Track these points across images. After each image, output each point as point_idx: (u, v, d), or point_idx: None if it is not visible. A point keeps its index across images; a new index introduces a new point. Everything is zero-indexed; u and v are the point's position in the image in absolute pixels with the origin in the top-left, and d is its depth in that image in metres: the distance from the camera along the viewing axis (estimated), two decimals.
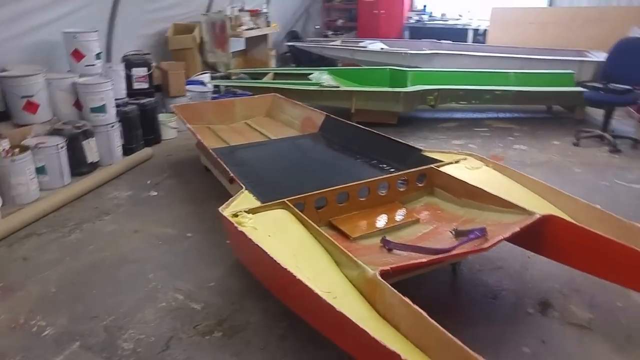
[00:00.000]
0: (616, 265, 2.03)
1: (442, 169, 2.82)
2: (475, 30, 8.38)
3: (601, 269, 2.11)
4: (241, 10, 7.29)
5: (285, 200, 2.36)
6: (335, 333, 1.70)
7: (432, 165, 2.85)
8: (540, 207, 2.31)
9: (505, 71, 5.93)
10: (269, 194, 2.45)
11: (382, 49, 7.46)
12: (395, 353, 1.38)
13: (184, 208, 3.50)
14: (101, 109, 4.33)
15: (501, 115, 5.94)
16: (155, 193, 3.77)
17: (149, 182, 3.99)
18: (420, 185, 2.84)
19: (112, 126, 4.43)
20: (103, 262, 2.79)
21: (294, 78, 6.19)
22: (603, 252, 2.04)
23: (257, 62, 7.80)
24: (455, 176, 2.71)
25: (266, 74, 6.57)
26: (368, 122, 4.01)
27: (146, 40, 6.11)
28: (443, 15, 9.12)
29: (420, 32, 8.75)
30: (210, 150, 3.27)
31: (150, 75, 5.26)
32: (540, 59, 6.28)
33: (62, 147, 3.88)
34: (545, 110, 6.15)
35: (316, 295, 1.62)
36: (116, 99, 4.55)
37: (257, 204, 2.36)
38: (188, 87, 5.78)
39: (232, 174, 2.79)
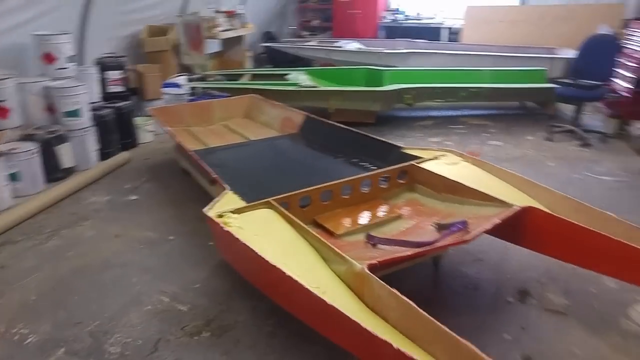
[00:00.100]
0: (591, 253, 2.11)
1: (422, 165, 2.87)
2: (449, 29, 8.52)
3: (577, 256, 2.19)
4: (216, 11, 7.25)
5: (270, 199, 2.37)
6: (327, 327, 1.72)
7: (412, 162, 2.90)
8: (518, 199, 2.38)
9: (479, 69, 6.05)
10: (253, 195, 2.45)
11: (358, 48, 7.51)
12: (387, 342, 1.41)
13: (165, 211, 3.47)
14: (75, 113, 4.26)
15: (476, 112, 6.07)
16: (135, 197, 3.73)
17: (127, 186, 3.94)
18: (401, 181, 2.89)
19: (87, 130, 4.36)
20: (84, 267, 2.75)
21: (271, 79, 6.19)
22: (579, 240, 2.12)
23: (233, 64, 7.76)
24: (435, 172, 2.76)
25: (243, 75, 6.55)
26: (346, 121, 4.04)
27: (120, 43, 6.01)
28: (418, 14, 9.25)
29: (396, 31, 8.84)
30: (191, 152, 3.26)
31: (125, 78, 5.19)
32: (512, 56, 6.44)
33: (35, 153, 3.81)
34: (519, 107, 6.31)
35: (307, 290, 1.64)
36: (91, 103, 4.47)
37: (242, 204, 2.36)
38: (164, 89, 5.72)
39: (214, 175, 2.78)
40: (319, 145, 3.80)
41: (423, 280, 2.61)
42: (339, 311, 1.55)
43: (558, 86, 5.07)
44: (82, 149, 4.32)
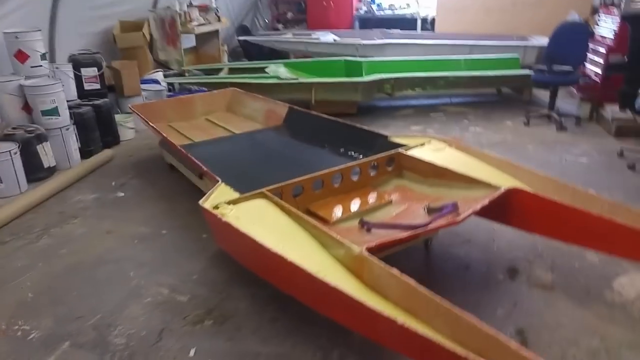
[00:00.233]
0: (575, 229, 2.22)
1: (409, 152, 2.95)
2: (424, 19, 8.64)
3: (562, 232, 2.30)
4: (189, 5, 7.18)
5: (264, 190, 2.41)
6: (330, 308, 1.78)
7: (399, 150, 2.97)
8: (503, 181, 2.48)
9: (455, 58, 6.18)
10: (244, 187, 2.47)
11: (334, 40, 7.56)
12: (392, 319, 1.48)
13: (155, 206, 3.47)
14: (53, 112, 4.20)
15: (454, 100, 6.20)
16: (122, 194, 3.71)
17: (113, 183, 3.92)
18: (389, 169, 2.96)
19: (67, 129, 4.30)
20: (79, 264, 2.75)
21: (249, 72, 6.19)
22: (563, 217, 2.23)
23: (209, 58, 7.71)
24: (422, 158, 2.84)
25: (221, 69, 6.53)
26: (328, 112, 4.08)
27: (92, 39, 5.91)
28: (391, 5, 9.33)
29: (370, 22, 8.93)
30: (179, 147, 3.26)
31: (101, 76, 5.12)
32: (487, 44, 6.59)
33: (15, 153, 3.75)
34: (496, 94, 6.47)
35: (310, 274, 1.70)
36: (68, 101, 4.41)
37: (236, 195, 2.39)
38: (143, 86, 5.66)
39: (205, 169, 2.80)
40: (305, 136, 3.84)
41: (415, 263, 2.70)
42: (343, 292, 1.61)
43: (533, 72, 5.23)
44: (62, 148, 4.27)
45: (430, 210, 2.39)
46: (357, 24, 9.20)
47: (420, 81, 5.84)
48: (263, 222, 2.16)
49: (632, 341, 2.06)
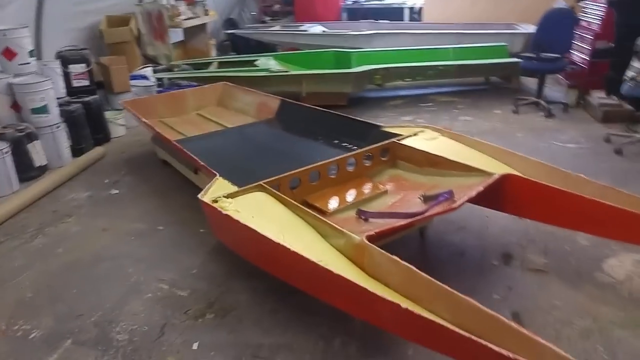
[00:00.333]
0: (567, 212, 2.28)
1: (403, 142, 2.98)
2: (411, 9, 8.64)
3: (555, 216, 2.36)
4: None
5: (261, 183, 2.43)
6: (334, 296, 1.82)
7: (393, 140, 3.00)
8: (497, 167, 2.53)
9: (444, 47, 6.22)
10: (240, 180, 2.49)
11: (323, 31, 7.55)
12: (396, 303, 1.52)
13: (149, 203, 3.47)
14: (43, 110, 4.16)
15: (443, 90, 6.23)
16: (117, 191, 3.70)
17: (106, 181, 3.90)
18: (383, 159, 2.99)
19: (58, 127, 4.26)
20: (76, 262, 2.74)
21: (239, 66, 6.17)
22: (555, 201, 2.28)
23: (197, 53, 7.65)
24: (416, 147, 2.87)
25: (210, 63, 6.49)
26: (319, 104, 4.10)
27: (78, 35, 5.83)
28: None
29: (358, 13, 8.91)
30: (174, 142, 3.26)
31: (90, 72, 5.07)
32: (474, 33, 6.63)
33: (6, 152, 3.71)
34: (484, 82, 6.52)
35: (313, 263, 1.72)
36: (57, 98, 4.37)
37: (234, 189, 2.41)
38: (132, 82, 5.61)
39: (202, 163, 2.81)
40: (298, 128, 3.86)
41: (411, 251, 2.73)
42: (347, 280, 1.64)
43: (521, 60, 5.28)
44: (53, 146, 4.23)
45: (426, 199, 2.42)
46: (345, 15, 9.18)
47: (410, 71, 5.87)
48: (263, 214, 2.18)
49: (623, 320, 2.12)
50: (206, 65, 6.44)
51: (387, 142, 2.98)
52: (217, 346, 2.06)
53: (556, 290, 2.33)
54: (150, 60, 6.71)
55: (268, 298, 2.34)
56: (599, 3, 5.33)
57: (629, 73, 4.00)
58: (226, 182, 2.49)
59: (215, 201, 2.27)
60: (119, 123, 5.08)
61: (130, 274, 2.60)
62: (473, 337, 1.38)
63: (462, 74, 6.10)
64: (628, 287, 2.33)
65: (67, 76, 4.90)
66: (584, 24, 5.55)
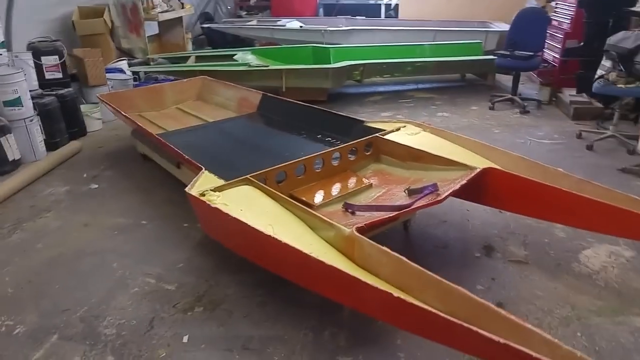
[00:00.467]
0: (546, 204, 2.36)
1: (386, 137, 3.02)
2: (387, 5, 8.72)
3: (534, 209, 2.44)
4: None
5: (248, 176, 2.43)
6: (326, 287, 1.84)
7: (377, 135, 3.04)
8: (478, 162, 2.60)
9: (421, 44, 6.31)
10: (225, 174, 2.49)
11: (301, 27, 7.55)
12: (388, 292, 1.56)
13: (132, 197, 3.43)
14: (16, 102, 4.05)
15: (421, 86, 6.33)
16: (96, 185, 3.64)
17: (85, 175, 3.83)
18: (367, 153, 3.03)
19: (31, 120, 4.16)
20: (58, 258, 2.69)
21: (216, 60, 6.11)
22: (535, 194, 2.36)
23: (172, 47, 7.55)
24: (399, 142, 2.92)
25: (187, 57, 6.41)
26: (299, 99, 4.11)
27: (49, 26, 5.68)
28: None
29: (334, 9, 8.94)
30: (157, 136, 3.22)
31: (63, 64, 4.96)
32: (450, 30, 6.75)
33: None
34: (460, 79, 6.64)
35: (305, 255, 1.75)
36: (29, 91, 4.25)
37: (220, 182, 2.40)
38: (108, 75, 5.50)
39: (187, 157, 2.79)
40: (280, 123, 3.86)
41: (396, 244, 2.75)
42: (340, 270, 1.67)
43: (496, 57, 5.41)
44: (27, 140, 4.13)
45: (411, 192, 2.47)
46: (321, 10, 9.20)
47: (388, 67, 5.94)
48: (251, 208, 2.19)
49: (599, 308, 2.22)
50: (183, 59, 6.36)
51: (371, 136, 3.02)
52: (207, 339, 2.06)
53: (537, 280, 2.42)
54: (125, 53, 6.59)
55: (256, 291, 2.35)
56: (569, 3, 5.50)
57: (599, 71, 4.15)
58: (212, 175, 2.48)
59: (203, 195, 2.26)
60: (95, 117, 4.98)
61: (116, 269, 2.56)
62: (464, 324, 1.42)
63: (439, 71, 6.22)
64: (604, 277, 2.44)
65: (39, 68, 4.77)
66: (555, 23, 5.71)
